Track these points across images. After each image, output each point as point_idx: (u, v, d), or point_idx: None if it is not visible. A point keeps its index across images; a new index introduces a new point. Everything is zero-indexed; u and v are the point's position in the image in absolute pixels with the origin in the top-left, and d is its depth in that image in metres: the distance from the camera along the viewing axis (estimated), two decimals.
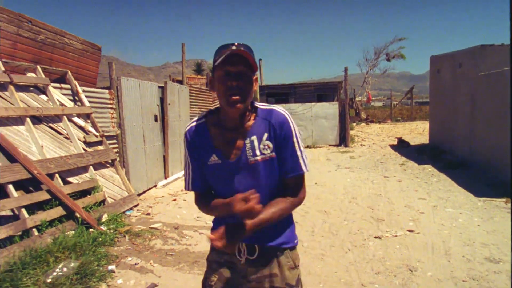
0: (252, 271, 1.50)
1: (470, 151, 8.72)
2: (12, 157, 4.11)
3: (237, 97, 1.34)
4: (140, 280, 3.54)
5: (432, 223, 4.97)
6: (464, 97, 9.22)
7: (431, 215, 5.31)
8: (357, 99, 27.40)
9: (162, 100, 8.62)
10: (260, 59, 20.58)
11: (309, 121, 14.45)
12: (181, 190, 7.39)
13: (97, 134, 5.77)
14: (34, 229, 3.88)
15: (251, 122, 1.45)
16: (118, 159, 6.10)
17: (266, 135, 1.43)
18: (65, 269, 3.37)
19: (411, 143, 13.22)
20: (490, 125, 7.70)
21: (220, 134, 1.46)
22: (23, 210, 3.88)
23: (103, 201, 5.16)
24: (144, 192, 7.29)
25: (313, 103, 14.71)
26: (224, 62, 1.32)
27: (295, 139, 1.44)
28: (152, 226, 4.96)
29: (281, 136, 1.43)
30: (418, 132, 17.11)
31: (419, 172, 8.49)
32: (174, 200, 6.64)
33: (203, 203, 1.54)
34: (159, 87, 8.59)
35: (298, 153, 1.45)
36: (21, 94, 4.85)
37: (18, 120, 4.56)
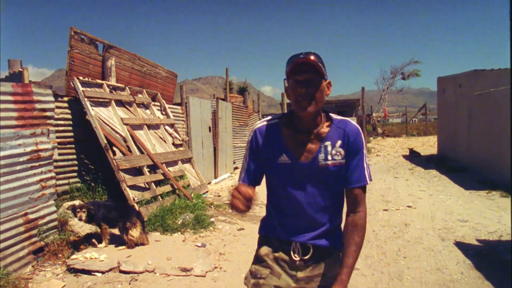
0: (302, 269, 1.57)
1: (468, 158, 10.50)
2: (140, 150, 6.27)
3: (306, 102, 1.45)
4: (232, 226, 5.59)
5: (426, 203, 6.87)
6: (463, 113, 11.05)
7: (427, 199, 7.20)
8: (374, 115, 29.23)
9: (212, 115, 10.79)
10: (285, 79, 22.79)
11: None
12: (231, 186, 9.43)
13: (180, 138, 7.92)
14: (159, 196, 5.98)
15: (326, 129, 1.54)
16: (193, 157, 8.23)
17: (339, 142, 1.52)
18: (187, 217, 5.46)
19: (422, 154, 14.94)
20: (483, 136, 9.50)
21: (292, 136, 1.56)
22: (153, 184, 6.00)
23: (188, 185, 7.25)
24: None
25: None
26: (292, 71, 1.44)
27: (364, 151, 1.56)
28: (225, 202, 7.01)
29: (353, 145, 1.52)
30: (429, 144, 18.80)
31: (425, 175, 10.31)
32: None
33: None
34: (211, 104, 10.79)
35: (364, 164, 1.54)
36: (138, 109, 7.06)
37: (139, 127, 6.74)
